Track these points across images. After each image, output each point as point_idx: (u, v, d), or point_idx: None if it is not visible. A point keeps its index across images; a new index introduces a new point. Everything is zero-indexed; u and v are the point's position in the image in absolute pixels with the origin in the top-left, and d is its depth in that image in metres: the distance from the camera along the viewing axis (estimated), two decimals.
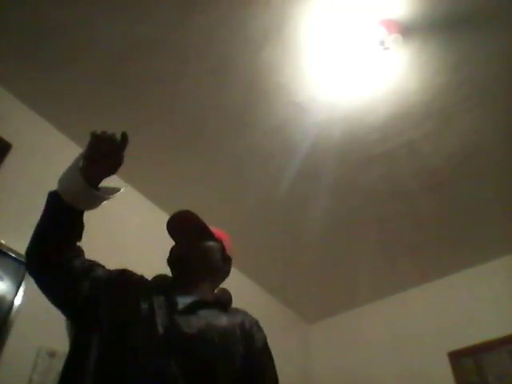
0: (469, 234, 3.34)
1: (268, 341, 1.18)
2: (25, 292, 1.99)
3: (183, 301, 1.09)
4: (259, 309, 4.11)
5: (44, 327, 2.00)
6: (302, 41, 2.20)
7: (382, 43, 2.14)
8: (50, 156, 2.47)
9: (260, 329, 1.17)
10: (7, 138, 2.18)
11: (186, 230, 1.25)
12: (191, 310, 1.07)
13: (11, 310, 1.90)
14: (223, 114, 2.54)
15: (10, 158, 2.17)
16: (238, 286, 4.08)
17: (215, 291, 1.25)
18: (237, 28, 2.15)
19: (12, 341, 1.85)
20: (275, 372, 1.13)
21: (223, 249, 1.31)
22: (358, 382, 3.60)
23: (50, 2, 2.02)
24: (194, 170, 2.86)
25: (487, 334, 3.22)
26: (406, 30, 2.14)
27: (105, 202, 1.14)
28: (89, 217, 2.58)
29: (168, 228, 1.29)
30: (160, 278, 1.23)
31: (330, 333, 4.15)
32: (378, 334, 3.82)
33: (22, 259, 2.04)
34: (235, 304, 1.24)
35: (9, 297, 1.93)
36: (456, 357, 3.31)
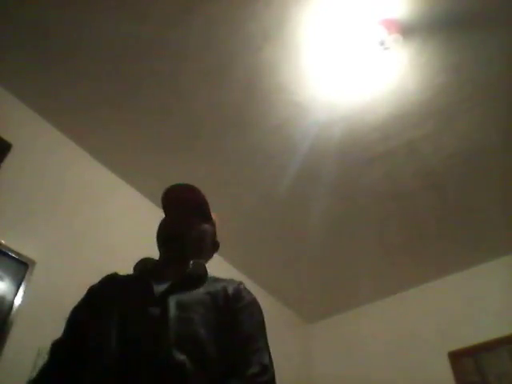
0: (469, 234, 3.34)
1: (269, 336, 1.14)
2: (25, 292, 1.99)
3: (159, 288, 1.04)
4: None
5: (44, 327, 2.00)
6: (302, 40, 2.20)
7: (382, 43, 2.14)
8: (50, 156, 2.48)
9: (241, 291, 1.09)
10: (7, 138, 2.18)
11: (189, 206, 1.21)
12: (165, 296, 1.01)
13: (11, 310, 1.90)
14: (223, 114, 2.54)
15: (10, 158, 2.17)
16: None
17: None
18: (236, 28, 2.14)
19: (12, 341, 1.85)
20: (256, 328, 1.05)
21: (214, 233, 1.29)
22: (357, 381, 3.60)
23: (50, 2, 2.01)
24: (194, 170, 2.85)
25: (487, 334, 3.22)
26: (406, 30, 2.14)
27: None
28: (90, 216, 2.58)
29: (168, 198, 1.24)
30: (142, 264, 1.18)
31: (330, 333, 4.15)
32: (378, 333, 3.82)
33: (22, 259, 2.05)
34: None
35: (9, 297, 1.93)
36: (456, 357, 3.31)
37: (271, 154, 2.77)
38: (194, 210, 1.22)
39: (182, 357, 0.89)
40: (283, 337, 3.88)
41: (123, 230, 2.71)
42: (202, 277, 1.12)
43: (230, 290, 1.08)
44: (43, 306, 2.04)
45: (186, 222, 1.19)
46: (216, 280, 1.13)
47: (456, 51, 2.26)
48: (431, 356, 3.39)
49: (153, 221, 3.15)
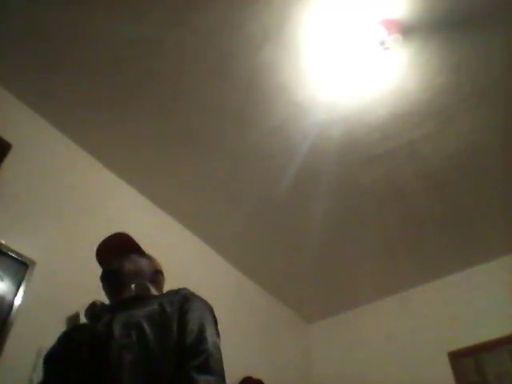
0: (469, 234, 3.34)
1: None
2: (25, 292, 1.99)
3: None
4: (259, 309, 4.14)
5: (44, 327, 2.00)
6: (302, 41, 2.20)
7: (382, 43, 2.14)
8: (50, 156, 2.48)
9: (186, 294, 1.18)
10: (7, 137, 2.18)
11: (120, 249, 1.37)
12: (113, 312, 1.15)
13: (11, 310, 1.90)
14: (223, 114, 2.54)
15: (10, 158, 2.17)
16: (238, 285, 4.09)
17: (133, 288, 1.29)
18: (237, 28, 2.14)
19: (12, 341, 1.85)
20: (201, 320, 1.12)
21: (153, 263, 1.41)
22: (357, 381, 3.60)
23: (50, 2, 2.01)
24: (194, 170, 2.86)
25: (487, 334, 3.22)
26: (406, 30, 2.14)
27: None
28: (90, 217, 2.58)
29: (100, 252, 1.40)
30: (91, 307, 1.29)
31: (330, 333, 4.15)
32: (377, 333, 3.82)
33: (22, 259, 2.04)
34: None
35: (9, 297, 1.93)
36: (456, 357, 3.31)
37: (271, 154, 2.77)
38: (126, 250, 1.37)
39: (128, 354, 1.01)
40: (283, 337, 3.88)
41: (123, 230, 2.70)
42: (145, 295, 1.25)
43: (176, 297, 1.16)
44: (43, 306, 2.04)
45: (119, 257, 1.34)
46: (161, 295, 1.25)
47: (456, 51, 2.26)
48: (431, 356, 3.39)
49: (153, 221, 3.15)
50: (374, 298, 3.98)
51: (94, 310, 1.27)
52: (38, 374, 1.85)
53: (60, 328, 2.05)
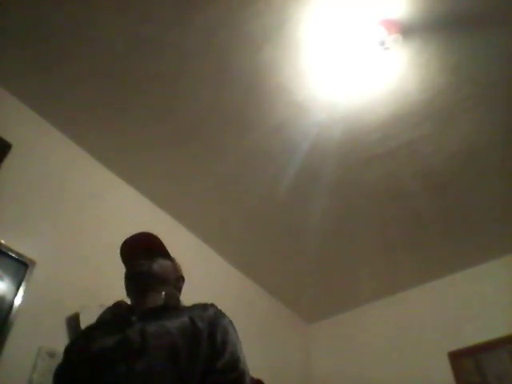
0: (469, 234, 3.34)
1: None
2: (25, 292, 1.99)
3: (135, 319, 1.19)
4: (259, 309, 4.14)
5: (44, 327, 2.00)
6: (303, 40, 2.20)
7: (382, 43, 2.14)
8: (50, 156, 2.48)
9: (215, 313, 1.22)
10: (7, 137, 2.18)
11: (147, 249, 1.36)
12: (142, 320, 1.16)
13: (11, 310, 1.90)
14: (223, 114, 2.54)
15: (10, 158, 2.17)
16: (238, 285, 4.08)
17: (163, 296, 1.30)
18: (237, 28, 2.14)
19: (12, 341, 1.85)
20: (236, 352, 1.16)
21: (177, 268, 1.44)
22: (357, 381, 3.60)
23: (49, 2, 2.01)
24: (194, 170, 2.86)
25: (487, 334, 3.22)
26: (406, 30, 2.14)
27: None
28: (90, 217, 2.58)
29: (126, 250, 1.39)
30: (116, 306, 1.29)
31: (330, 333, 4.15)
32: (378, 333, 3.82)
33: (22, 259, 2.05)
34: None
35: (9, 297, 1.93)
36: (456, 357, 3.31)
37: (271, 154, 2.77)
38: (152, 251, 1.36)
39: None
40: (283, 337, 3.88)
41: (123, 230, 2.70)
42: (175, 305, 1.26)
43: (206, 313, 1.19)
44: (43, 306, 2.04)
45: (147, 259, 1.33)
46: (190, 307, 1.25)
47: (456, 51, 2.26)
48: (431, 356, 3.39)
49: (153, 221, 3.16)
50: (373, 297, 3.98)
51: (119, 310, 1.26)
52: (38, 374, 1.85)
53: (60, 328, 2.06)
